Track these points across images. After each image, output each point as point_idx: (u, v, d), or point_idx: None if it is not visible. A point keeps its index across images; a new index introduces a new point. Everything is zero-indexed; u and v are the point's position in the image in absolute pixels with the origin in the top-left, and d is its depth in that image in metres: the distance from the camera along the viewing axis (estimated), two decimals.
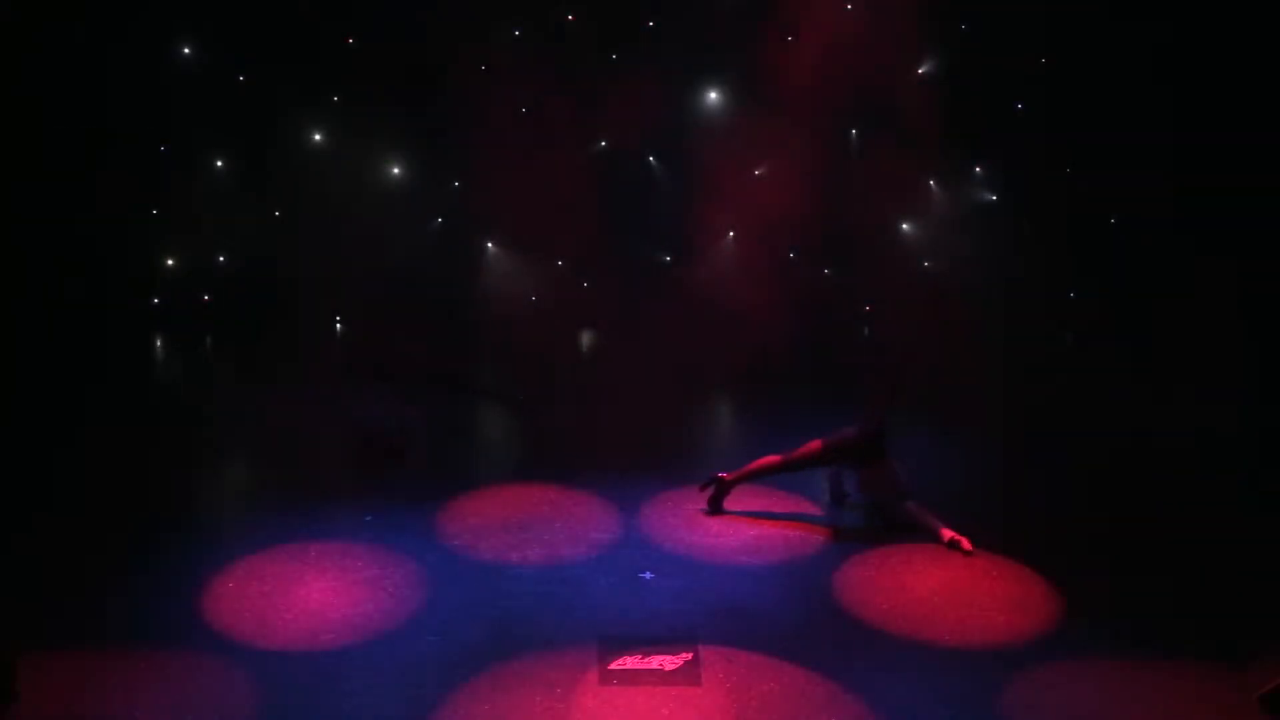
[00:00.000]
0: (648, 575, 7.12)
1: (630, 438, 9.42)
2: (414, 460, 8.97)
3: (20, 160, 11.16)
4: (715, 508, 7.99)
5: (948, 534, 7.48)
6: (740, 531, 7.73)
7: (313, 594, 6.76)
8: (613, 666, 6.07)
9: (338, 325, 12.47)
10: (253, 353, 11.41)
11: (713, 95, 12.92)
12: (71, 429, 9.16)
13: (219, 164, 12.38)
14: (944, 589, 6.97)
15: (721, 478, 8.00)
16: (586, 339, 12.57)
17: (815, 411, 8.59)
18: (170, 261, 12.43)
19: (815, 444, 7.93)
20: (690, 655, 6.17)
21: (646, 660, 6.12)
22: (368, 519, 7.76)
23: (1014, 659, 6.24)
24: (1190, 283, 11.40)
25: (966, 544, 7.39)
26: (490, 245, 12.97)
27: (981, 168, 13.22)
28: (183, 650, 6.14)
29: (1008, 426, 9.76)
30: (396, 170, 12.78)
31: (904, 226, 13.27)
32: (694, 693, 5.88)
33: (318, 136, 12.50)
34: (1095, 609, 6.73)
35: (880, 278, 12.85)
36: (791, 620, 6.63)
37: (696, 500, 8.04)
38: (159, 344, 11.98)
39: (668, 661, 6.12)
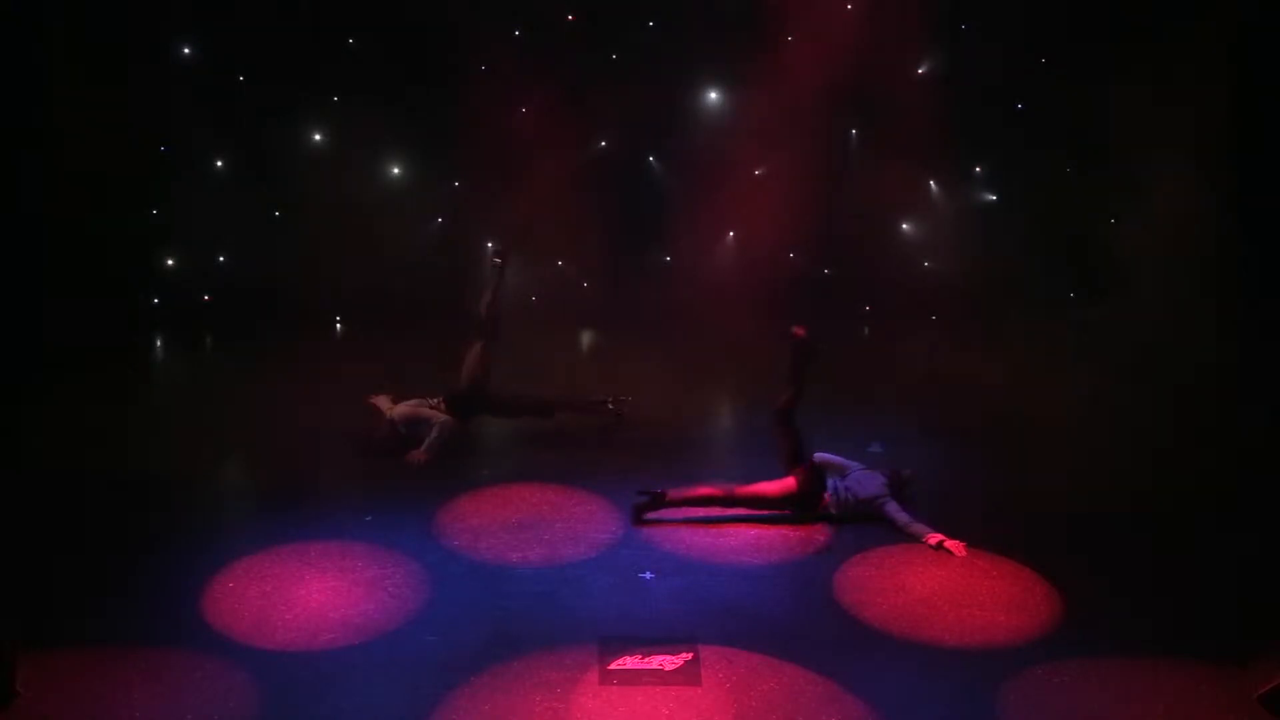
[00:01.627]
0: (648, 575, 7.12)
1: (630, 437, 9.41)
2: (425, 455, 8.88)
3: (19, 159, 11.15)
4: (637, 517, 7.80)
5: (934, 538, 7.44)
6: (740, 532, 7.73)
7: (313, 594, 6.76)
8: (613, 666, 6.07)
9: (338, 326, 12.48)
10: (253, 353, 11.39)
11: (712, 95, 12.91)
12: (72, 429, 9.15)
13: (219, 164, 12.38)
14: (944, 589, 6.96)
15: (660, 494, 7.82)
16: (586, 339, 12.57)
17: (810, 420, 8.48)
18: (170, 261, 12.43)
19: (758, 487, 7.84)
20: (690, 655, 6.17)
21: (646, 660, 6.11)
22: (368, 519, 7.75)
23: (1014, 659, 6.24)
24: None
25: (960, 551, 7.33)
26: (490, 245, 12.96)
27: (981, 168, 13.22)
28: (183, 650, 6.13)
29: (1007, 427, 9.75)
30: (396, 170, 12.78)
31: (904, 227, 13.27)
32: (694, 693, 5.88)
33: (318, 136, 12.50)
34: (1095, 609, 6.73)
35: (878, 279, 12.88)
36: (791, 620, 6.63)
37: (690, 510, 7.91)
38: (159, 344, 11.98)
39: (668, 661, 6.11)
